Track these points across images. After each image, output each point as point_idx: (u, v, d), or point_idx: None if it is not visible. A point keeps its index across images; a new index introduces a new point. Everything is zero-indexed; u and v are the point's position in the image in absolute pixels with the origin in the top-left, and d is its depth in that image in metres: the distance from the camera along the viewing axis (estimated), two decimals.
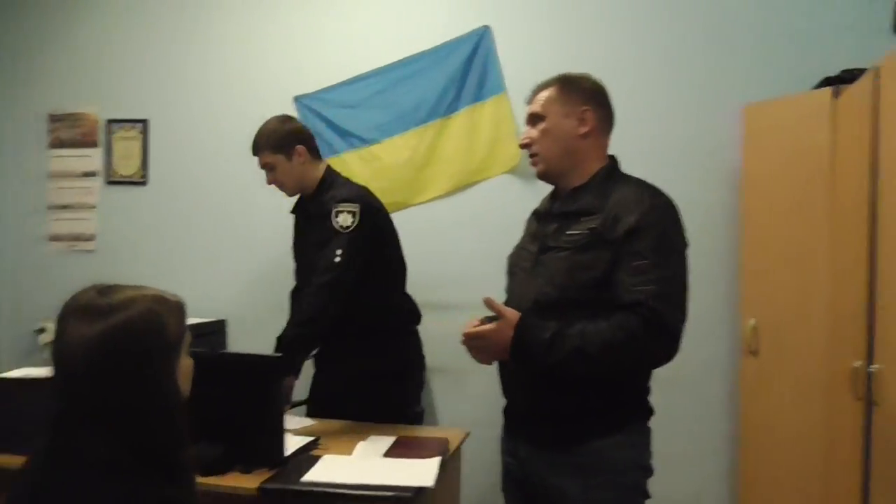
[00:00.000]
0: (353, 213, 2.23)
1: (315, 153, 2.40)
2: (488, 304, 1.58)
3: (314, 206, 2.33)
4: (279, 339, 2.16)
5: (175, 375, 1.11)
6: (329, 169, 2.43)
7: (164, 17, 3.35)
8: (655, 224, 1.53)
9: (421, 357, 2.51)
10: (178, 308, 1.14)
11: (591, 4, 2.93)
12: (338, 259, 2.18)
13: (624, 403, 1.60)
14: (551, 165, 1.68)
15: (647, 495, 1.64)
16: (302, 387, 2.33)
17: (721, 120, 2.77)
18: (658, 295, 1.48)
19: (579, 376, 1.53)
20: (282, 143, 2.32)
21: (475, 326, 1.59)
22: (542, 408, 1.61)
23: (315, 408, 2.34)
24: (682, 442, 2.73)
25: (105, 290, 1.08)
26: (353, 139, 3.13)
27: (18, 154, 3.51)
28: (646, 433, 1.64)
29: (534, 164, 1.72)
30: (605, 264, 1.53)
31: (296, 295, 2.50)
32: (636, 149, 2.71)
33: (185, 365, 1.15)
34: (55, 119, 3.48)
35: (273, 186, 2.40)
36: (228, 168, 3.22)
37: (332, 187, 2.34)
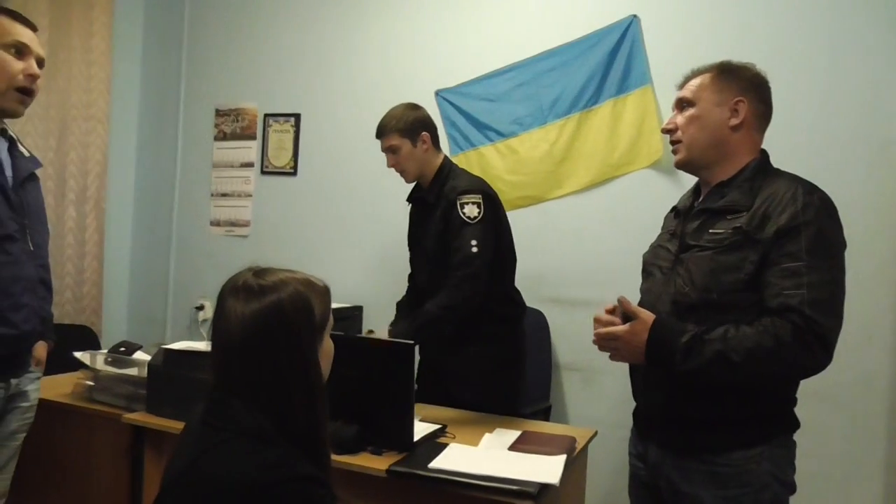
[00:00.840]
0: (478, 204, 2.24)
1: (437, 143, 2.44)
2: (623, 304, 1.53)
3: (432, 195, 2.36)
4: (420, 312, 2.19)
5: (317, 355, 1.17)
6: (447, 159, 2.45)
7: (316, 22, 3.53)
8: (810, 223, 1.42)
9: (525, 349, 2.47)
10: (324, 292, 1.20)
11: None
12: (475, 249, 2.19)
13: (767, 414, 1.50)
14: (694, 155, 1.59)
15: None
16: None
17: (894, 112, 2.51)
18: (812, 301, 1.38)
19: (719, 383, 1.46)
20: (410, 127, 2.37)
21: (605, 320, 1.56)
22: (677, 413, 1.55)
23: (423, 393, 2.35)
24: (831, 461, 2.52)
25: (260, 272, 1.16)
26: (490, 132, 3.14)
27: (190, 145, 3.86)
28: (790, 447, 1.54)
29: (675, 151, 1.63)
30: (751, 266, 1.44)
31: (412, 281, 2.57)
32: (800, 142, 2.55)
33: (328, 347, 1.21)
34: (220, 113, 3.78)
35: (393, 172, 2.45)
36: (370, 161, 3.34)
37: (451, 177, 2.36)
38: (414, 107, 2.45)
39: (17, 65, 1.76)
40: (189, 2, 3.83)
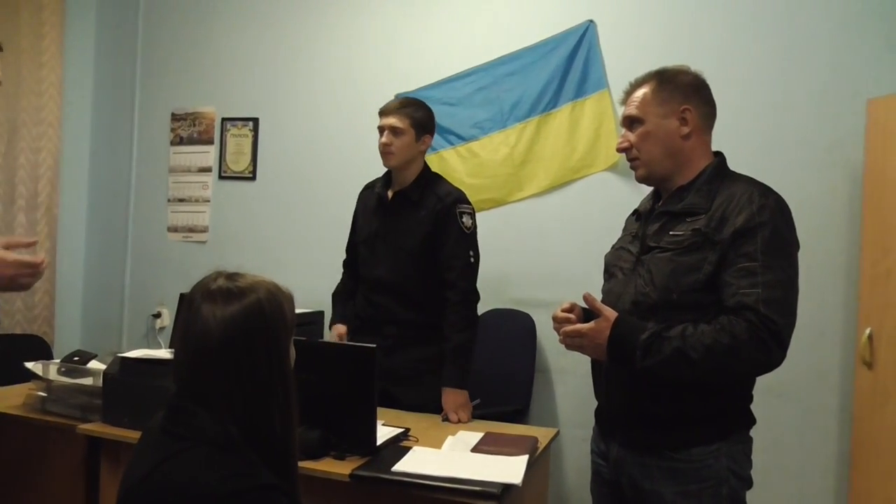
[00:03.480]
0: (472, 215, 2.36)
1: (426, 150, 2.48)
2: (588, 300, 1.56)
3: (416, 193, 2.37)
4: (452, 347, 2.24)
5: (290, 357, 1.18)
6: (427, 165, 2.47)
7: (274, 25, 3.50)
8: (766, 224, 1.46)
9: None
10: (289, 297, 1.20)
11: None
12: (473, 260, 2.32)
13: (724, 410, 1.54)
14: (653, 170, 1.63)
15: None
16: None
17: (843, 114, 2.60)
18: (767, 299, 1.42)
19: (678, 380, 1.49)
20: (423, 122, 2.39)
21: (562, 318, 1.59)
22: (638, 411, 1.57)
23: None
24: (787, 455, 2.60)
25: (232, 275, 1.16)
26: (451, 136, 3.16)
27: (145, 150, 3.78)
28: (747, 442, 1.57)
29: (633, 167, 1.67)
30: (710, 266, 1.48)
31: (349, 269, 2.59)
32: (750, 144, 2.62)
33: (292, 353, 1.21)
34: (177, 117, 3.71)
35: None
36: (331, 165, 3.32)
37: (438, 183, 2.41)
38: (430, 109, 2.47)
39: None
40: (144, 2, 3.76)
